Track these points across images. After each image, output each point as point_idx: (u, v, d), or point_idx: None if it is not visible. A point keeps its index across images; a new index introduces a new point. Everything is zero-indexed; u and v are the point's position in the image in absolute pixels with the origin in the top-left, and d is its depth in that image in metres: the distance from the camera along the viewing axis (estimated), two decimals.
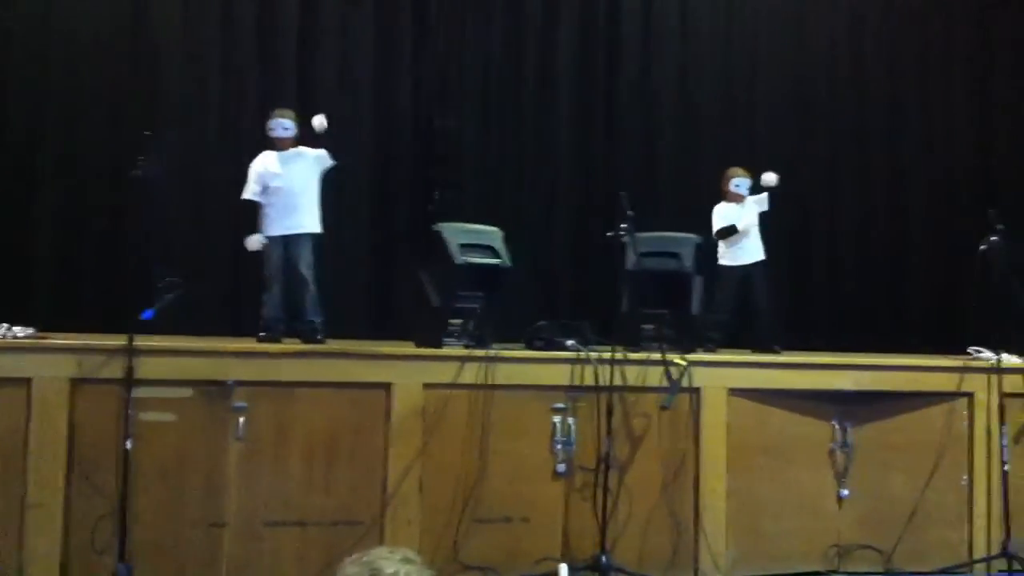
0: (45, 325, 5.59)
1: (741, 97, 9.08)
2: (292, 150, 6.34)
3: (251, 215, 6.29)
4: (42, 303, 7.24)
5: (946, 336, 8.01)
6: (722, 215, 7.05)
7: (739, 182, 7.04)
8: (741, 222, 6.97)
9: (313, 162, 6.33)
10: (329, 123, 6.15)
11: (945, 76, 9.43)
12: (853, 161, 9.22)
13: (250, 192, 6.31)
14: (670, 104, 8.91)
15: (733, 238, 6.98)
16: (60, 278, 7.57)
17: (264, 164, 6.33)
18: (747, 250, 7.04)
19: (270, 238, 6.24)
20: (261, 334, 6.08)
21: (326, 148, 6.27)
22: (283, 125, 6.33)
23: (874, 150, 9.28)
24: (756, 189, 7.05)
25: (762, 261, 7.08)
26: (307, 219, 6.30)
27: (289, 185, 6.25)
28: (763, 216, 7.07)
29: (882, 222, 9.24)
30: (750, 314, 7.04)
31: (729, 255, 7.03)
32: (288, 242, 6.24)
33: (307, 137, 6.33)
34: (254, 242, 6.25)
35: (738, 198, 7.05)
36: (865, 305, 9.02)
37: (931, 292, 9.16)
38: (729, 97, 9.05)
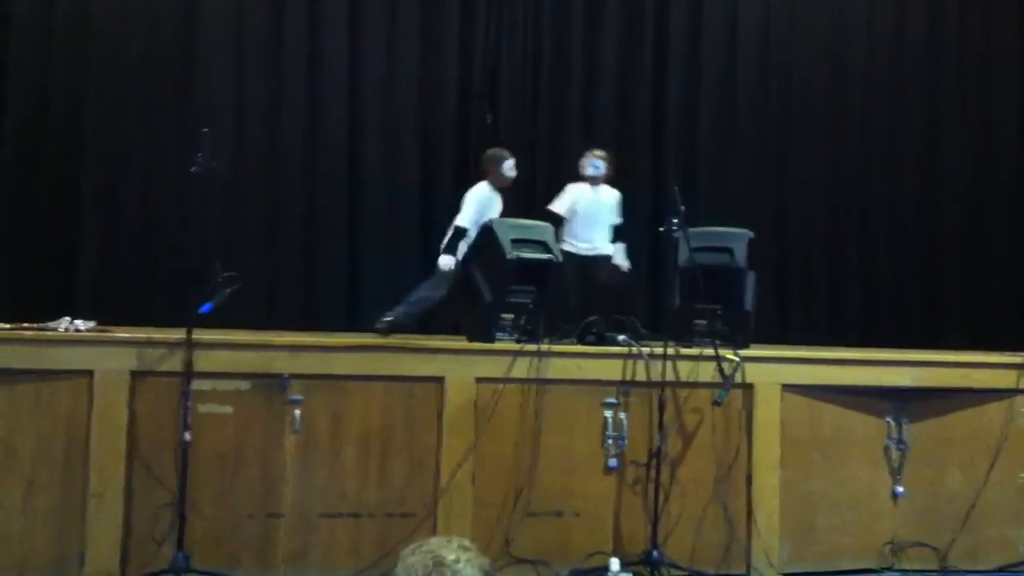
0: (101, 320, 5.69)
1: (777, 92, 8.98)
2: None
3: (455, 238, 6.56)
4: (93, 297, 7.36)
5: (984, 333, 7.97)
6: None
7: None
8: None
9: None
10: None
11: (984, 69, 9.26)
12: (888, 156, 9.09)
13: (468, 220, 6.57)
14: (713, 97, 8.85)
15: None
16: (110, 272, 7.66)
17: (487, 198, 6.64)
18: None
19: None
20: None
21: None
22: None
23: (910, 144, 9.13)
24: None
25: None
26: None
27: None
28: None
29: (917, 217, 9.10)
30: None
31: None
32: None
33: None
34: (449, 263, 6.49)
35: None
36: (900, 303, 8.94)
37: (967, 289, 9.04)
38: (767, 93, 8.97)
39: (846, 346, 7.11)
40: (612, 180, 7.24)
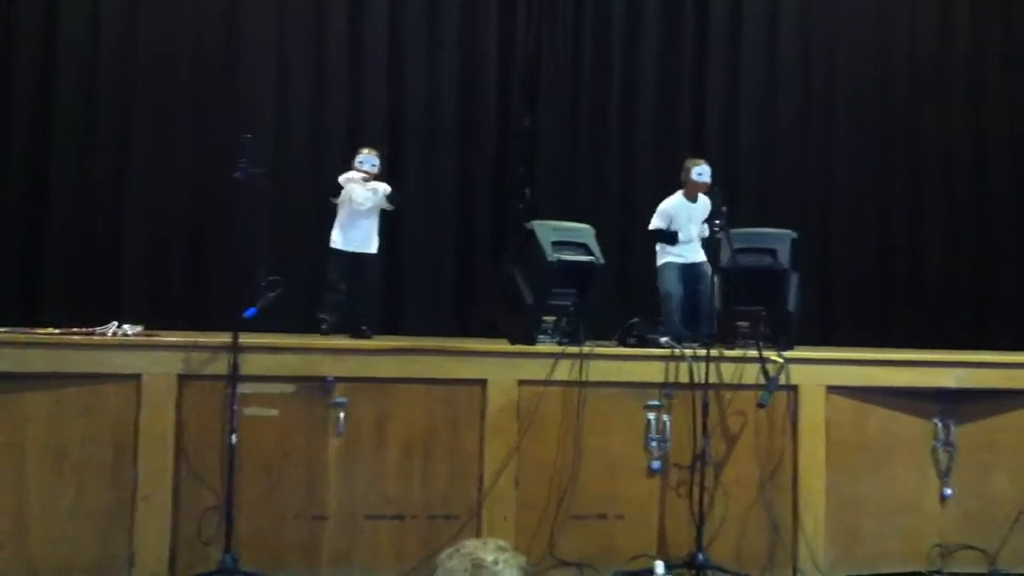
0: (148, 324, 5.74)
1: (819, 88, 8.90)
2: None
3: None
4: (140, 302, 7.39)
5: None
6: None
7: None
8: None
9: None
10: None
11: None
12: (935, 152, 9.00)
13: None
14: (753, 105, 8.77)
15: None
16: (157, 277, 7.73)
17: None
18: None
19: None
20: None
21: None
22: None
23: (957, 140, 9.01)
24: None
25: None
26: None
27: None
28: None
29: (964, 216, 8.97)
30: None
31: None
32: None
33: None
34: None
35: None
36: (946, 303, 8.81)
37: (1015, 290, 8.87)
38: (809, 89, 8.89)
39: (891, 347, 7.03)
40: None
